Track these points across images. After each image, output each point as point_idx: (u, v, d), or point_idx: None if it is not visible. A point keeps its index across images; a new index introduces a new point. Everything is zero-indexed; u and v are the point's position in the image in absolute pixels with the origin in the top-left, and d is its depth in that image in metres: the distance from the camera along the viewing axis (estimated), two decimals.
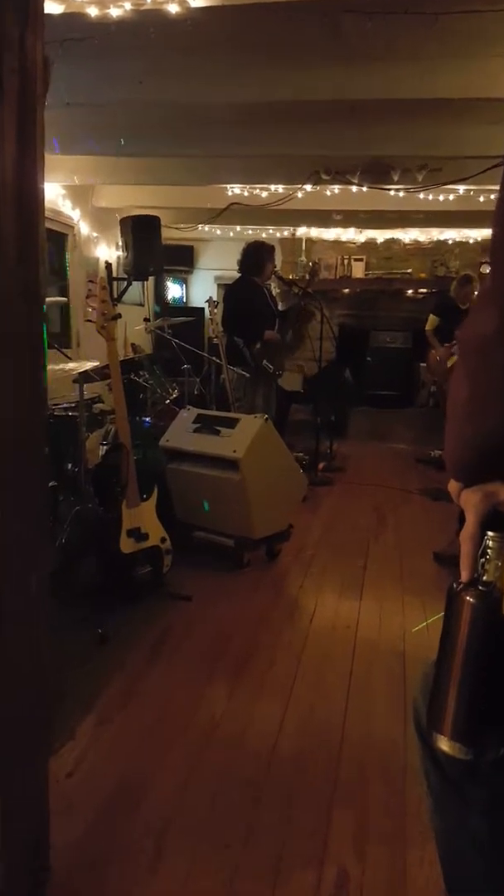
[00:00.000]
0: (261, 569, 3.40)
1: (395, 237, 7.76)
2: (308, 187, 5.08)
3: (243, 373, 4.72)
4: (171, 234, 7.32)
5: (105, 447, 3.44)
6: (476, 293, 6.12)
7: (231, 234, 7.68)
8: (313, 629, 2.74)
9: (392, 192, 5.08)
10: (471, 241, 7.62)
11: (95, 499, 3.00)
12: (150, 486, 2.90)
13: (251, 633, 2.68)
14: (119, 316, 2.85)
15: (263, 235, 7.46)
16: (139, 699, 2.21)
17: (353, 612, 2.90)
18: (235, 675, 2.37)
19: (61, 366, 3.14)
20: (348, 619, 2.84)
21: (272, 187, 5.46)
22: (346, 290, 7.97)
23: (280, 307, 5.81)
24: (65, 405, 3.26)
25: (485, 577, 0.80)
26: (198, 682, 2.32)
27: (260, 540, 3.37)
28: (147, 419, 4.03)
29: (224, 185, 5.58)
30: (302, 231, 7.71)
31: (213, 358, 4.84)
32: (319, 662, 2.47)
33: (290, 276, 7.36)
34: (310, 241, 8.05)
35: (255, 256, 4.90)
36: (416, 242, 7.82)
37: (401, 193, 5.10)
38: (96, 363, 3.20)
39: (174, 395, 4.45)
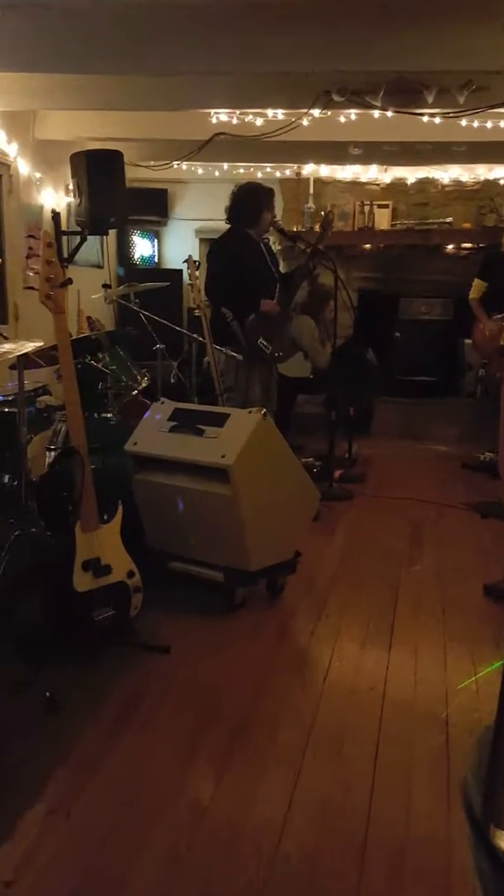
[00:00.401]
0: (259, 610, 3.39)
1: (431, 177, 7.79)
2: (316, 112, 5.09)
3: (234, 354, 4.73)
4: (138, 174, 7.32)
5: (53, 453, 3.43)
6: None
7: (216, 173, 7.69)
8: (328, 690, 2.73)
9: (426, 118, 5.10)
10: None
11: (41, 520, 2.99)
12: (113, 504, 2.90)
13: (247, 697, 2.67)
14: (70, 281, 2.84)
15: (259, 175, 7.48)
16: (101, 784, 2.21)
17: (379, 667, 2.89)
18: (227, 752, 2.36)
19: None
20: (374, 675, 2.83)
21: (269, 113, 5.48)
22: (368, 246, 7.99)
23: (282, 269, 5.82)
24: None
25: None
26: (178, 760, 2.32)
27: (258, 572, 3.37)
28: (108, 416, 4.03)
29: (206, 111, 5.59)
30: (309, 169, 7.74)
31: (195, 335, 4.84)
32: (336, 734, 2.46)
33: (295, 228, 7.39)
34: (319, 182, 8.08)
35: (249, 202, 4.91)
36: (458, 183, 7.85)
37: (437, 119, 5.11)
38: (40, 343, 3.20)
39: (144, 385, 4.45)
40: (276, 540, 3.42)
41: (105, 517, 2.86)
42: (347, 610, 3.41)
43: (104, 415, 4.01)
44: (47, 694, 2.54)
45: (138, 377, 4.45)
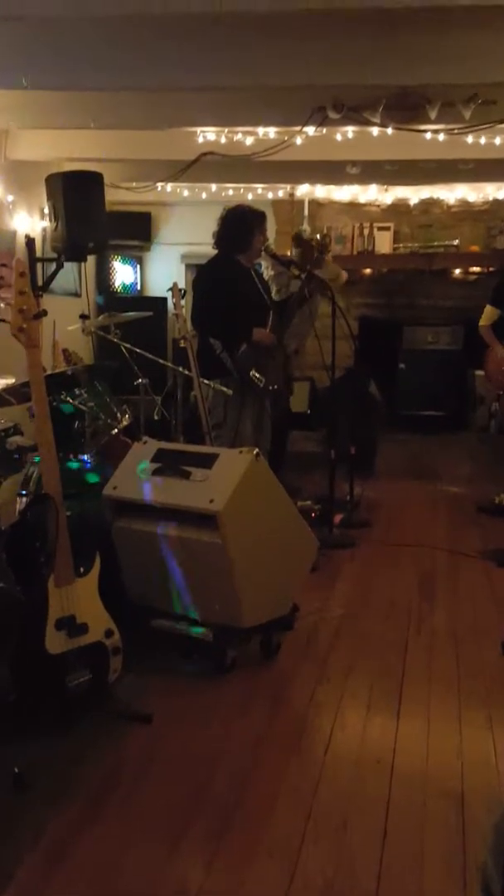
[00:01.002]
0: (253, 673, 3.35)
1: (435, 197, 7.89)
2: (311, 130, 5.15)
3: (223, 389, 4.72)
4: (120, 196, 7.39)
5: (24, 499, 3.41)
6: None
7: (203, 195, 7.77)
8: (330, 763, 2.69)
9: (429, 135, 5.16)
10: None
11: (10, 573, 2.94)
12: (90, 555, 2.88)
13: (239, 772, 2.63)
14: (44, 313, 2.84)
15: (249, 197, 7.56)
16: (75, 871, 2.16)
17: (387, 736, 2.86)
18: (217, 835, 2.32)
19: None
20: (380, 746, 2.79)
21: (260, 131, 5.55)
22: (368, 271, 8.06)
23: (274, 296, 5.84)
24: None
25: None
26: (161, 844, 2.27)
27: (251, 630, 3.34)
28: (86, 457, 3.99)
29: (193, 129, 5.66)
30: (303, 190, 7.82)
31: (180, 368, 4.84)
32: (339, 812, 2.42)
33: (288, 253, 7.42)
34: (315, 203, 8.17)
35: (239, 226, 4.95)
36: (465, 203, 7.95)
37: (441, 136, 5.17)
38: (11, 380, 3.18)
39: (125, 423, 4.42)
40: (271, 593, 3.39)
41: (81, 570, 2.83)
42: (351, 672, 3.37)
43: (81, 456, 3.97)
44: (15, 770, 2.49)
45: (118, 415, 4.42)
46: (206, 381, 4.61)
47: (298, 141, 5.38)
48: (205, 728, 2.90)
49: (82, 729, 2.78)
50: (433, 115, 4.74)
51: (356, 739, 2.84)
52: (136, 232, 8.66)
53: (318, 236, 6.00)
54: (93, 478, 3.76)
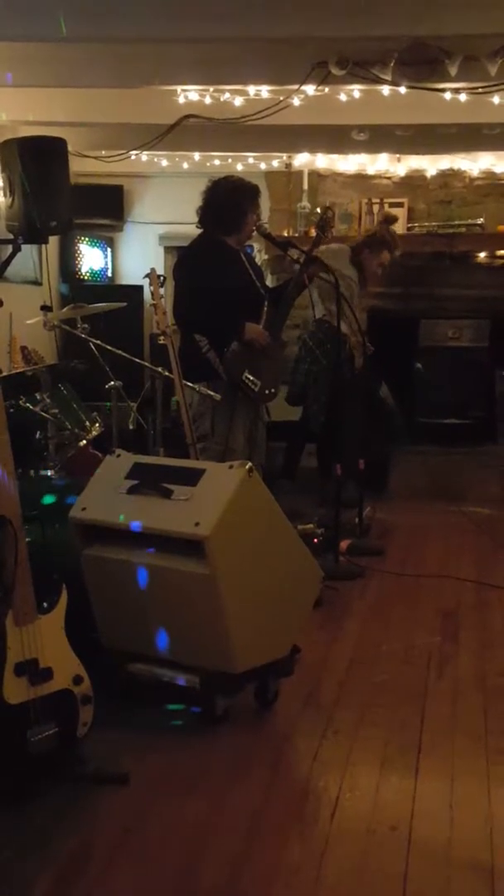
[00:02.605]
0: (247, 726, 3.35)
1: (456, 168, 7.93)
2: (310, 89, 5.19)
3: (210, 393, 4.74)
4: (87, 166, 7.42)
5: None
6: None
7: (185, 166, 7.81)
8: (338, 831, 2.68)
9: (448, 95, 5.20)
10: None
11: None
12: (56, 589, 2.88)
13: (231, 847, 2.61)
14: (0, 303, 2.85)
15: (239, 168, 7.59)
16: None
17: (404, 799, 2.84)
18: None
19: None
20: (396, 811, 2.78)
21: (251, 90, 5.58)
22: None
23: (269, 283, 5.87)
24: None
25: None
26: None
27: (245, 675, 3.33)
28: (49, 473, 4.00)
29: (172, 88, 5.69)
30: (302, 160, 7.85)
31: (160, 370, 4.85)
32: (349, 890, 2.42)
33: (286, 233, 7.47)
34: (316, 175, 8.20)
35: (228, 203, 4.98)
36: (490, 176, 7.99)
37: (462, 96, 5.21)
38: None
39: (94, 433, 4.43)
40: (268, 633, 3.38)
41: (45, 605, 2.83)
42: (361, 725, 3.36)
43: (43, 472, 3.98)
44: None
45: (87, 423, 4.44)
46: (190, 385, 4.62)
47: (296, 102, 5.42)
48: (191, 793, 2.88)
49: (46, 793, 2.76)
50: (453, 71, 4.77)
51: (368, 803, 2.83)
52: (107, 209, 8.68)
53: (317, 210, 6.04)
54: (52, 498, 3.77)
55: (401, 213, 8.06)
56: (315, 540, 5.23)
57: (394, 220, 6.54)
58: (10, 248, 4.12)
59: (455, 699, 3.61)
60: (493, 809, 2.78)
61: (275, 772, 3.05)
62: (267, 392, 5.03)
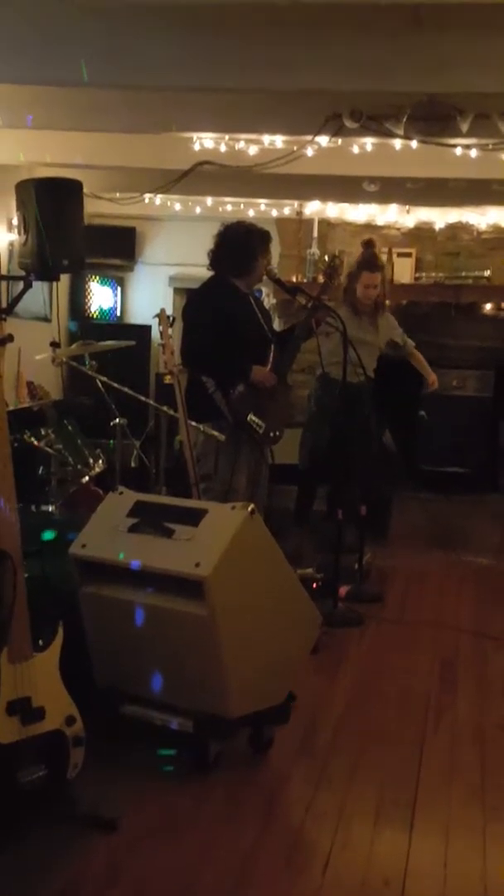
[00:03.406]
0: (240, 773, 3.32)
1: (464, 221, 7.98)
2: (323, 140, 5.23)
3: (214, 434, 4.73)
4: (101, 208, 7.47)
5: None
6: None
7: (198, 210, 7.87)
8: (330, 885, 2.65)
9: (459, 150, 5.23)
10: None
11: None
12: (51, 626, 2.86)
13: (221, 894, 2.59)
14: (10, 338, 2.86)
15: (251, 214, 7.64)
16: None
17: (398, 853, 2.82)
18: None
19: None
20: (390, 865, 2.75)
21: (265, 139, 5.63)
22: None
23: (277, 326, 5.87)
24: None
25: None
26: None
27: (239, 720, 3.31)
28: (50, 509, 3.98)
29: (188, 134, 5.74)
30: (313, 208, 7.91)
31: (165, 408, 4.84)
32: None
33: (295, 279, 7.50)
34: (325, 224, 8.27)
35: (239, 247, 5.00)
36: (498, 230, 8.05)
37: (473, 152, 5.25)
38: None
39: (97, 470, 4.41)
40: (264, 678, 3.36)
41: (40, 642, 2.81)
42: (355, 774, 3.34)
43: (45, 507, 3.96)
44: None
45: (90, 460, 4.43)
46: (194, 424, 4.61)
47: (309, 152, 5.47)
48: (181, 839, 2.85)
49: (35, 836, 2.73)
50: (464, 127, 4.80)
51: (361, 857, 2.80)
52: (119, 249, 8.75)
53: (326, 258, 6.06)
54: (53, 534, 3.74)
55: (409, 263, 8.13)
56: (314, 585, 5.19)
57: (370, 243, 6.48)
58: (21, 285, 4.13)
59: (452, 750, 3.58)
60: (487, 868, 2.74)
61: (267, 820, 3.01)
62: (272, 434, 5.01)
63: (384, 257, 8.02)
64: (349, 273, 6.14)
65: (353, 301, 6.08)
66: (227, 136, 5.70)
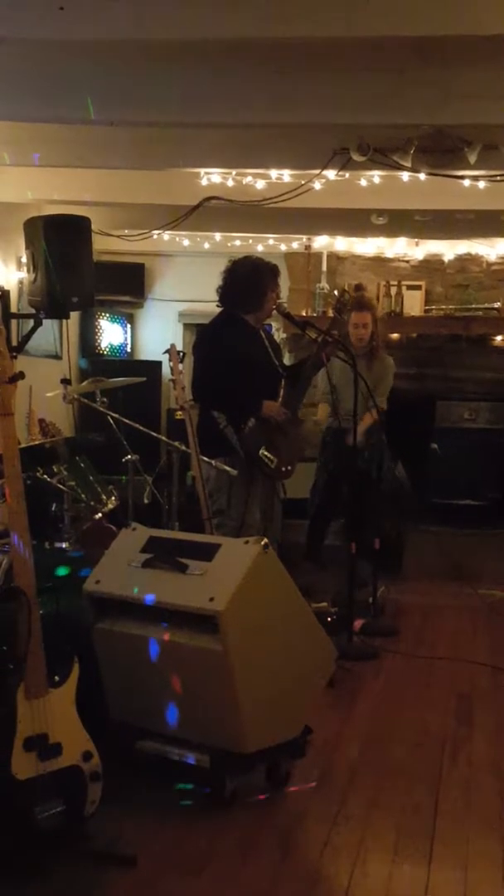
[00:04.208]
0: (257, 808, 3.31)
1: (474, 253, 8.03)
2: (331, 174, 5.29)
3: (227, 469, 4.75)
4: (110, 245, 7.54)
5: None
6: None
7: (206, 246, 7.95)
8: None
9: (467, 182, 5.29)
10: None
11: None
12: (67, 663, 2.88)
13: None
14: (21, 375, 2.89)
15: (260, 249, 7.71)
16: None
17: (417, 888, 2.81)
18: None
19: None
20: None
21: (273, 174, 5.69)
22: (396, 336, 8.16)
23: (287, 361, 5.92)
24: None
25: None
26: None
27: (255, 755, 3.30)
28: (64, 545, 4.00)
29: (196, 170, 5.81)
30: (322, 242, 7.97)
31: (177, 444, 4.88)
32: None
33: (304, 313, 7.56)
34: (334, 257, 8.32)
35: (248, 282, 5.05)
36: None
37: (481, 183, 5.30)
38: None
39: (110, 506, 4.44)
40: (280, 712, 3.36)
41: (56, 678, 2.82)
42: (373, 809, 3.32)
43: (59, 544, 3.98)
44: None
45: (103, 496, 4.45)
46: (206, 460, 4.64)
47: (317, 186, 5.52)
48: (198, 874, 2.85)
49: (52, 872, 2.72)
50: (472, 158, 4.83)
51: (380, 891, 2.79)
52: (128, 286, 8.81)
53: (335, 292, 6.12)
54: (66, 570, 3.76)
55: (418, 295, 8.17)
56: (329, 619, 5.19)
57: (360, 286, 6.55)
58: (31, 323, 4.20)
59: (469, 784, 3.56)
60: None
61: (285, 855, 3.00)
62: (283, 469, 5.03)
63: (394, 290, 8.12)
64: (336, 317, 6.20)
65: (345, 344, 6.06)
66: (234, 172, 5.76)
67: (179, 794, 3.32)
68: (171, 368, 4.55)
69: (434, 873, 2.89)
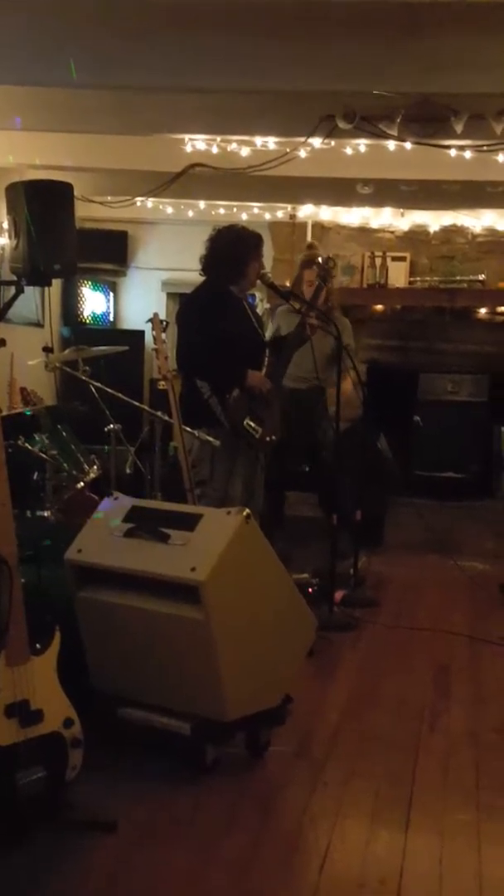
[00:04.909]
0: (237, 775, 3.33)
1: (459, 224, 8.02)
2: (317, 142, 5.27)
3: (210, 439, 4.76)
4: (92, 212, 7.49)
5: None
6: None
7: (190, 213, 7.90)
8: (326, 885, 2.66)
9: (453, 152, 5.28)
10: None
11: None
12: (48, 630, 2.88)
13: None
14: (2, 342, 2.92)
15: (244, 217, 7.68)
16: None
17: (394, 854, 2.84)
18: None
19: None
20: (386, 865, 2.77)
21: (258, 141, 5.65)
22: (380, 308, 8.18)
23: (271, 332, 5.92)
24: None
25: None
26: None
27: (236, 723, 3.33)
28: (46, 515, 4.00)
29: (180, 136, 5.77)
30: (306, 212, 7.95)
31: (159, 414, 4.88)
32: None
33: (288, 283, 7.53)
34: (319, 227, 8.30)
35: (232, 251, 5.02)
36: (493, 233, 8.09)
37: (467, 153, 5.29)
38: None
39: (92, 475, 4.44)
40: (260, 681, 3.38)
41: (38, 646, 2.83)
42: (352, 777, 3.35)
43: (40, 513, 3.99)
44: None
45: (85, 466, 4.45)
46: (189, 430, 4.64)
47: (302, 154, 5.49)
48: (179, 842, 2.87)
49: (33, 838, 2.74)
50: (459, 128, 4.82)
51: (357, 856, 2.82)
52: (111, 254, 8.76)
53: (319, 260, 6.10)
54: (48, 540, 3.77)
55: (403, 267, 8.16)
56: (309, 590, 5.23)
57: (312, 245, 6.57)
58: (13, 290, 4.17)
59: (447, 754, 3.60)
60: (482, 866, 2.76)
61: (264, 822, 3.03)
62: (267, 439, 5.04)
63: (378, 261, 8.10)
64: (295, 276, 6.18)
65: (329, 315, 6.01)
66: (219, 138, 5.70)
67: (161, 761, 3.33)
68: (154, 338, 4.54)
69: (411, 839, 2.92)
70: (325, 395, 6.02)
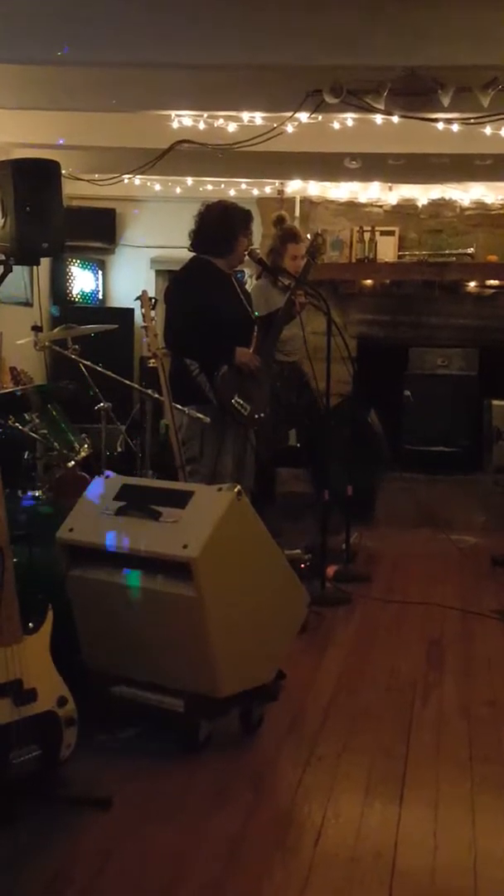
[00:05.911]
0: (231, 751, 3.34)
1: (447, 197, 7.99)
2: (304, 117, 5.24)
3: (200, 416, 4.76)
4: (80, 189, 7.45)
5: None
6: None
7: (178, 190, 7.86)
8: (320, 859, 2.67)
9: (441, 125, 5.25)
10: None
11: None
12: (41, 609, 2.88)
13: (213, 872, 2.60)
14: None
15: (232, 193, 7.64)
16: None
17: (388, 827, 2.84)
18: None
19: None
20: (380, 838, 2.77)
21: (245, 116, 5.63)
22: (369, 282, 8.14)
23: (260, 308, 5.90)
24: None
25: None
26: None
27: (229, 700, 3.33)
28: (36, 493, 4.00)
29: (166, 113, 5.73)
30: (294, 187, 7.91)
31: (149, 392, 4.87)
32: None
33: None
34: (307, 202, 8.26)
35: (220, 227, 5.01)
36: (481, 206, 8.06)
37: (455, 126, 5.26)
38: None
39: (83, 454, 4.43)
40: (253, 657, 3.39)
41: (30, 625, 2.83)
42: (345, 752, 3.36)
43: (31, 492, 3.98)
44: None
45: (76, 444, 4.44)
46: (179, 408, 4.64)
47: (289, 129, 5.47)
48: (172, 818, 2.87)
49: (27, 815, 2.74)
50: (446, 101, 4.81)
51: (352, 830, 2.82)
52: (99, 232, 8.71)
53: (308, 236, 6.06)
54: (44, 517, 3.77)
55: (392, 241, 8.12)
56: (302, 565, 5.23)
57: (282, 218, 6.53)
58: (1, 269, 4.14)
59: (440, 727, 3.61)
60: (476, 837, 2.77)
61: (258, 798, 3.04)
62: (256, 416, 5.04)
63: (367, 235, 8.07)
64: (271, 249, 6.11)
65: (318, 291, 5.94)
66: (205, 114, 5.68)
67: (154, 738, 3.34)
68: (143, 315, 4.52)
69: (405, 813, 2.93)
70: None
